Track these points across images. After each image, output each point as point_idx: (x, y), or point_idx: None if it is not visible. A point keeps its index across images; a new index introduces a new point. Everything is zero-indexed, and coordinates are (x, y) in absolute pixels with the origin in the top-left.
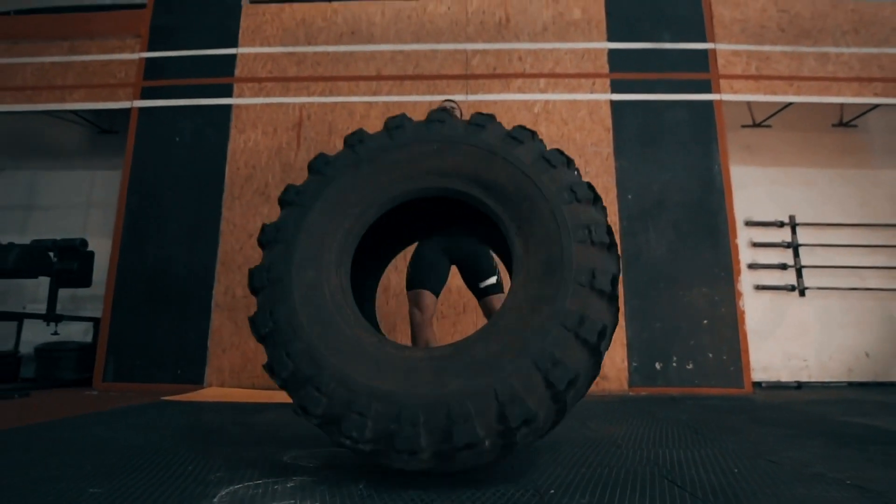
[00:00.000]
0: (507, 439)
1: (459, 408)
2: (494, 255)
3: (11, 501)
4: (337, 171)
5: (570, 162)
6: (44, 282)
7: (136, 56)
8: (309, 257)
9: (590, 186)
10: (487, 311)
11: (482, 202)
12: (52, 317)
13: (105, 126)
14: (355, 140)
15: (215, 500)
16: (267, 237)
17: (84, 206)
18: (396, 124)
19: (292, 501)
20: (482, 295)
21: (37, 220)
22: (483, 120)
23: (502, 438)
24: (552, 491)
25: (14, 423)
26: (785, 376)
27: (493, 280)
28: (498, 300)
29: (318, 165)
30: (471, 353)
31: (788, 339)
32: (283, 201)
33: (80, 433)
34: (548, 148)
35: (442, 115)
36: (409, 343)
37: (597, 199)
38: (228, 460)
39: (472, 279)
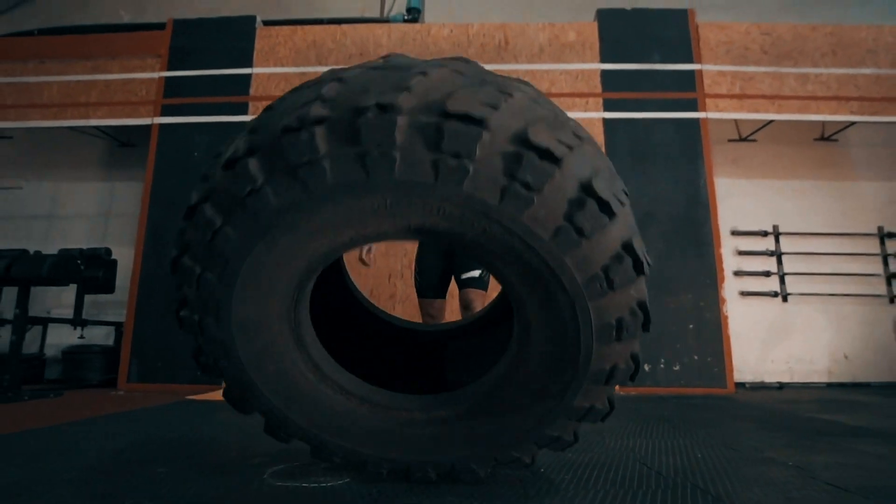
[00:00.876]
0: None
1: (463, 467)
2: None
3: (101, 478)
4: (241, 252)
5: (611, 214)
6: (66, 288)
7: (156, 75)
8: (260, 354)
9: (636, 263)
10: (463, 304)
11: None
12: (78, 321)
13: (123, 139)
14: (244, 189)
15: (266, 475)
16: (188, 326)
17: (104, 216)
18: (306, 158)
19: (329, 477)
20: (462, 286)
21: (59, 230)
22: (464, 142)
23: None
24: (542, 469)
25: (61, 419)
26: (768, 378)
27: (475, 273)
28: (477, 295)
29: (204, 234)
30: (471, 425)
31: (772, 342)
32: (178, 269)
33: (124, 428)
34: (594, 178)
35: (383, 122)
36: None
37: (641, 272)
38: (263, 448)
39: (457, 269)
